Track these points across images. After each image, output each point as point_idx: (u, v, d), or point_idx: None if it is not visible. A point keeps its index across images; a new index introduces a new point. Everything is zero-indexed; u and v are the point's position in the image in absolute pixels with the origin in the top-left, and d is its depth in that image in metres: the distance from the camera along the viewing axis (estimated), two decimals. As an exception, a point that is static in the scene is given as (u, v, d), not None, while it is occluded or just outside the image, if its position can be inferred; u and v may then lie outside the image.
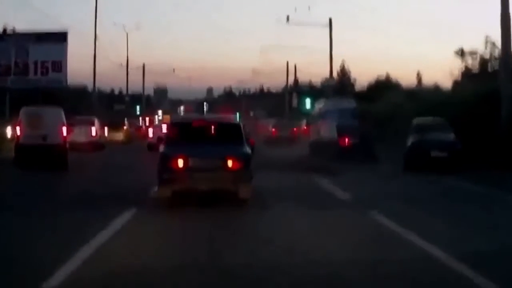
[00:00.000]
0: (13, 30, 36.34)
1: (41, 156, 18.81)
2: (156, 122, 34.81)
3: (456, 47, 41.90)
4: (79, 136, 28.56)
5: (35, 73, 35.49)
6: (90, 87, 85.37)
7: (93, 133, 30.73)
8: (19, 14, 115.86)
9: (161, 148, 11.34)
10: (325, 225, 9.57)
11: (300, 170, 19.03)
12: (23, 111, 20.02)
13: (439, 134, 19.82)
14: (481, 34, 47.89)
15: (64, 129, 19.85)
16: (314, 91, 72.17)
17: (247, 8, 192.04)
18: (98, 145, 30.60)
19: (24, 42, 35.25)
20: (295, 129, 46.74)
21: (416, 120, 21.33)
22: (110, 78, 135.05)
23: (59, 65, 35.59)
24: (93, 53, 45.96)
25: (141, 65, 68.54)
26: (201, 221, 9.49)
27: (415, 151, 19.36)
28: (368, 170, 19.61)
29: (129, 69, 64.20)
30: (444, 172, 17.64)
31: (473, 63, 32.79)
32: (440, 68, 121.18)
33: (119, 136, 39.78)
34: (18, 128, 19.61)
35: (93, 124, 31.25)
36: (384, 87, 48.62)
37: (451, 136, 19.82)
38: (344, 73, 79.92)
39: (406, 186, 15.32)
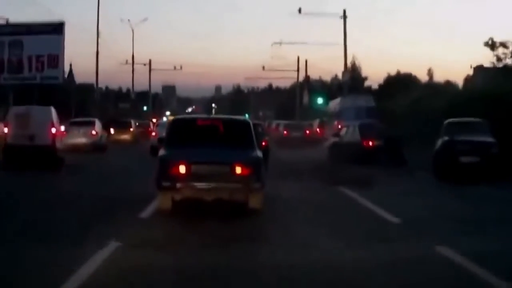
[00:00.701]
0: (7, 21, 33.69)
1: (28, 157, 18.18)
2: (163, 120, 31.92)
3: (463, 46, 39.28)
4: (79, 137, 28.43)
5: (30, 69, 33.06)
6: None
7: (93, 134, 29.58)
8: (22, 11, 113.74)
9: (161, 151, 10.18)
10: (385, 275, 6.41)
11: (322, 178, 16.47)
12: (11, 110, 19.78)
13: (473, 136, 17.13)
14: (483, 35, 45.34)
15: (53, 129, 19.04)
16: (326, 88, 69.75)
17: (258, 3, 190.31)
18: (99, 146, 29.32)
19: (18, 34, 32.72)
20: (307, 129, 44.35)
21: (449, 120, 18.53)
22: (118, 76, 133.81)
23: (56, 60, 33.09)
24: (96, 49, 43.84)
25: (148, 63, 65.59)
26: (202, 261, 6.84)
27: (442, 156, 16.81)
28: (401, 178, 17.13)
29: (136, 66, 61.53)
30: (480, 181, 15.17)
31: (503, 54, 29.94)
32: (450, 65, 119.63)
33: (126, 136, 39.09)
34: (5, 129, 19.08)
35: (93, 125, 30.22)
36: (401, 83, 45.92)
37: (488, 138, 17.06)
38: (354, 70, 76.88)
39: (454, 202, 12.54)
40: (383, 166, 19.33)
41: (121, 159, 24.19)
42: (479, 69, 68.63)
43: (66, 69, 57.13)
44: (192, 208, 9.97)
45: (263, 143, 17.77)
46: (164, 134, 15.63)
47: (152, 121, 50.97)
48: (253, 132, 10.43)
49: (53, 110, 19.64)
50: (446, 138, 17.09)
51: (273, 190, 11.89)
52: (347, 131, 23.52)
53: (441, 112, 26.37)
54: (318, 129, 44.77)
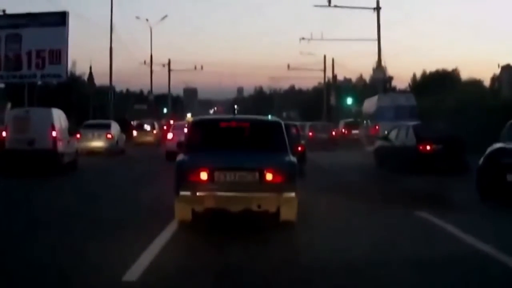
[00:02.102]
0: (3, 12, 30.16)
1: (27, 163, 17.58)
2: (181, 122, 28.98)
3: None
4: (93, 140, 27.38)
5: (29, 66, 29.57)
6: (118, 87, 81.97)
7: (109, 137, 28.03)
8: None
9: (179, 156, 9.07)
10: None
11: (382, 195, 12.54)
12: (10, 113, 19.73)
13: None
14: None
15: (54, 132, 18.02)
16: (355, 87, 65.82)
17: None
18: (115, 150, 27.92)
19: (15, 26, 29.23)
20: (333, 131, 41.28)
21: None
22: (139, 79, 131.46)
23: (58, 55, 29.46)
24: (109, 46, 40.72)
25: (173, 66, 62.27)
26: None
27: (485, 172, 11.74)
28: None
29: (155, 67, 58.35)
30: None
31: None
32: (475, 65, 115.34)
33: (149, 139, 39.13)
34: (3, 133, 18.28)
35: (109, 128, 28.60)
36: (440, 80, 41.74)
37: None
38: (374, 72, 72.61)
39: None
40: (443, 174, 16.25)
41: (133, 166, 21.82)
42: (506, 68, 65.72)
43: (85, 70, 55.75)
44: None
45: (299, 148, 16.18)
46: (183, 138, 14.50)
47: (168, 123, 47.80)
48: (285, 134, 9.29)
49: (55, 112, 18.78)
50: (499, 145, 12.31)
51: (319, 214, 9.78)
52: (398, 133, 19.50)
53: (495, 111, 23.11)
54: (344, 130, 42.91)
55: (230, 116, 11.28)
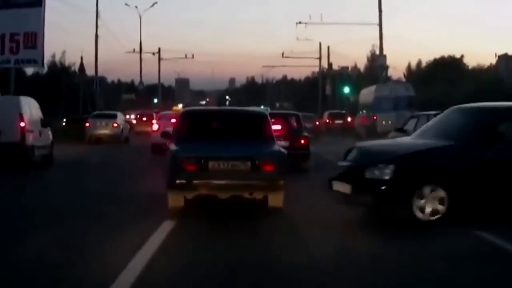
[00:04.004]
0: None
1: None
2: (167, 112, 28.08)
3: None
4: (101, 129, 30.31)
5: (2, 51, 26.89)
6: (110, 77, 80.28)
7: (115, 126, 30.75)
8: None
9: (172, 146, 9.36)
10: None
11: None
12: None
13: None
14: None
15: (22, 123, 16.33)
16: (351, 76, 63.52)
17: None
18: (120, 137, 30.48)
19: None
20: (317, 121, 40.06)
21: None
22: (131, 69, 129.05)
23: (33, 39, 26.82)
24: (95, 32, 40.73)
25: (164, 55, 59.85)
26: None
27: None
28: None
29: (146, 56, 56.44)
30: None
31: None
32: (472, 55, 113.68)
33: (149, 129, 40.36)
34: None
35: (115, 118, 31.55)
36: (446, 68, 39.19)
37: None
38: (374, 59, 70.10)
39: None
40: None
41: (122, 155, 22.08)
42: (504, 57, 64.02)
43: (76, 60, 55.59)
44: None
45: (302, 141, 16.27)
46: (167, 128, 15.44)
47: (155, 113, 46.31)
48: (271, 125, 10.01)
49: (24, 100, 17.20)
50: None
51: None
52: (417, 124, 16.99)
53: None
54: (328, 120, 44.56)
55: (217, 107, 11.84)
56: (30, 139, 16.56)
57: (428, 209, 8.07)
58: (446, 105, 22.65)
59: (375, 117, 30.21)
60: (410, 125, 17.27)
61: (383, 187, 8.16)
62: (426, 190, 8.09)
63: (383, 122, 28.54)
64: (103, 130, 30.20)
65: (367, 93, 33.62)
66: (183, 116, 10.44)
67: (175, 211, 8.78)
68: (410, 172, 8.20)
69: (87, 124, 29.74)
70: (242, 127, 9.85)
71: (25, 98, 17.63)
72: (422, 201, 8.08)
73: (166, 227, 7.91)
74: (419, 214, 8.07)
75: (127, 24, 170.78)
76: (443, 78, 35.26)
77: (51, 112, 52.41)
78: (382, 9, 37.49)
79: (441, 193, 8.10)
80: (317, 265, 6.14)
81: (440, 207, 8.08)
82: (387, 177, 8.15)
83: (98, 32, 43.35)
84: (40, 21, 26.97)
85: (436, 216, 8.08)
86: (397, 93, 29.63)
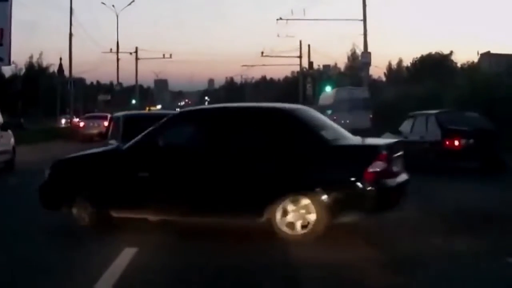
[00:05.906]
0: None
1: None
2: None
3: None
4: (93, 128, 34.87)
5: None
6: (89, 79, 78.75)
7: (105, 125, 31.43)
8: None
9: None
10: None
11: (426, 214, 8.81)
12: None
13: None
14: None
15: None
16: (333, 76, 62.32)
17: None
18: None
19: None
20: None
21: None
22: (109, 71, 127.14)
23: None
24: (69, 31, 38.83)
25: (142, 55, 58.26)
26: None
27: None
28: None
29: (123, 56, 55.05)
30: None
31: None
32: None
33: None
34: None
35: (105, 118, 34.26)
36: (435, 65, 37.99)
37: None
38: (355, 58, 69.01)
39: None
40: (473, 175, 13.84)
41: None
42: (486, 55, 63.29)
43: (55, 61, 55.31)
44: None
45: None
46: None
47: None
48: None
49: None
50: None
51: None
52: (414, 124, 15.78)
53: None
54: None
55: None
56: None
57: None
58: (440, 104, 21.60)
59: (335, 118, 30.82)
60: (406, 126, 16.06)
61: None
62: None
63: (342, 121, 29.11)
64: (95, 130, 34.42)
65: (327, 97, 35.70)
66: (119, 121, 11.18)
67: None
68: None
69: (81, 124, 36.14)
70: None
71: None
72: None
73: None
74: None
75: (105, 24, 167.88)
76: (431, 76, 34.20)
77: (29, 113, 51.14)
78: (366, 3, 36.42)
79: None
80: None
81: None
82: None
83: (75, 32, 41.99)
84: (7, 16, 25.25)
85: None
86: (354, 95, 31.76)
